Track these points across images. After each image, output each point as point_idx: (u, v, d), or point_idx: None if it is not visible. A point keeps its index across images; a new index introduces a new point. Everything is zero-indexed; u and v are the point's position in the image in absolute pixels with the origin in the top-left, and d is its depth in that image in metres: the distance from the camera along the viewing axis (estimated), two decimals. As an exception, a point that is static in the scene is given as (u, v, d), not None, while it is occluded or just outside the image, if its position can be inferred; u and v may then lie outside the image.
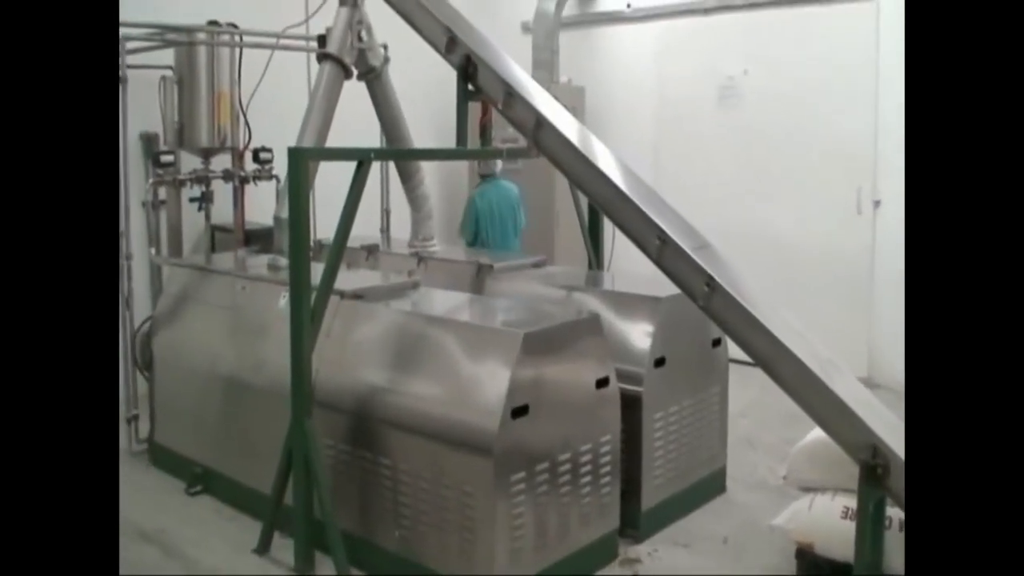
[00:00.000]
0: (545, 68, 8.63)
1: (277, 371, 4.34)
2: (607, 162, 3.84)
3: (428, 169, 6.47)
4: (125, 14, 5.60)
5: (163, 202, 6.38)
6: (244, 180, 6.51)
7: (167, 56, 6.42)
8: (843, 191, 7.38)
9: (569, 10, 9.10)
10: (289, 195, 4.06)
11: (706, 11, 8.30)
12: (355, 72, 5.42)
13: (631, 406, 4.34)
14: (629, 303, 4.74)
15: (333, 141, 5.22)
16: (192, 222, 6.57)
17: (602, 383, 4.11)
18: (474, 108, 4.48)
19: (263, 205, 6.67)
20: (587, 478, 4.06)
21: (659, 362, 4.52)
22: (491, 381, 3.73)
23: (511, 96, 4.11)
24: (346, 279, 4.56)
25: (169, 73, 6.35)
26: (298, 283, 3.97)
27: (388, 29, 5.43)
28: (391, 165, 7.12)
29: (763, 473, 5.35)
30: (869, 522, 3.16)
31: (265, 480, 4.36)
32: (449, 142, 4.77)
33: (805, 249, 7.62)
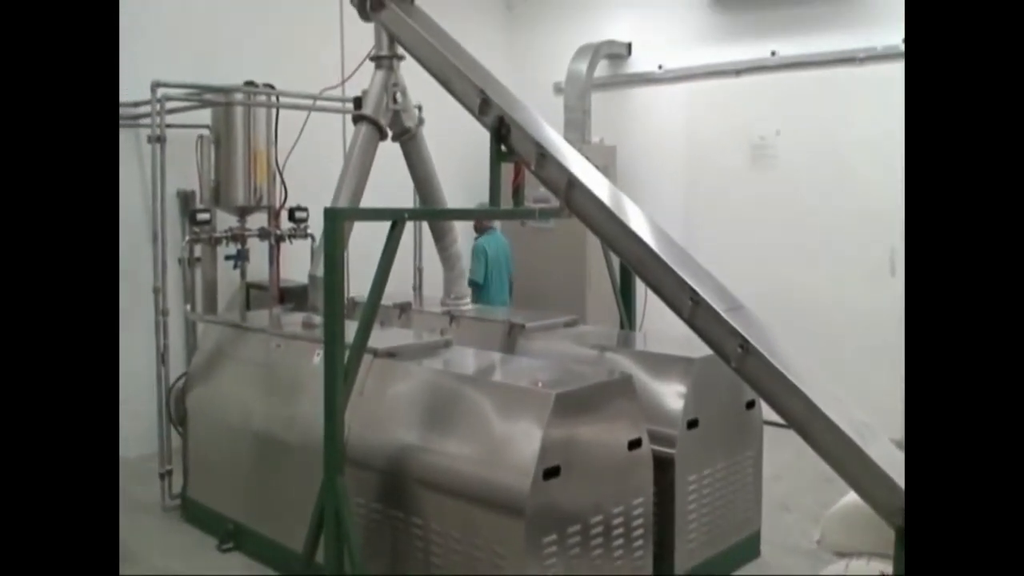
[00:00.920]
0: (577, 128, 8.73)
1: (310, 428, 4.35)
2: (639, 222, 3.84)
3: (461, 228, 6.52)
4: (164, 74, 5.76)
5: (199, 259, 6.46)
6: (280, 238, 6.59)
7: (204, 116, 6.55)
8: (876, 252, 7.35)
9: (601, 71, 9.21)
10: (324, 254, 4.09)
11: (737, 72, 8.36)
12: (390, 133, 5.50)
13: (664, 468, 4.30)
14: (662, 364, 4.72)
15: (367, 200, 5.28)
16: (227, 279, 6.64)
17: (635, 444, 4.08)
18: (507, 168, 4.52)
19: (298, 263, 6.75)
20: (619, 541, 4.01)
21: (692, 424, 4.48)
22: (523, 441, 3.71)
23: (544, 157, 4.13)
24: (379, 337, 4.58)
25: (206, 132, 6.46)
26: (332, 341, 3.98)
27: (422, 90, 5.52)
28: (424, 224, 7.19)
29: (797, 537, 5.26)
30: (905, 587, 3.09)
31: (297, 537, 4.34)
32: (482, 201, 4.80)
33: (839, 310, 7.58)
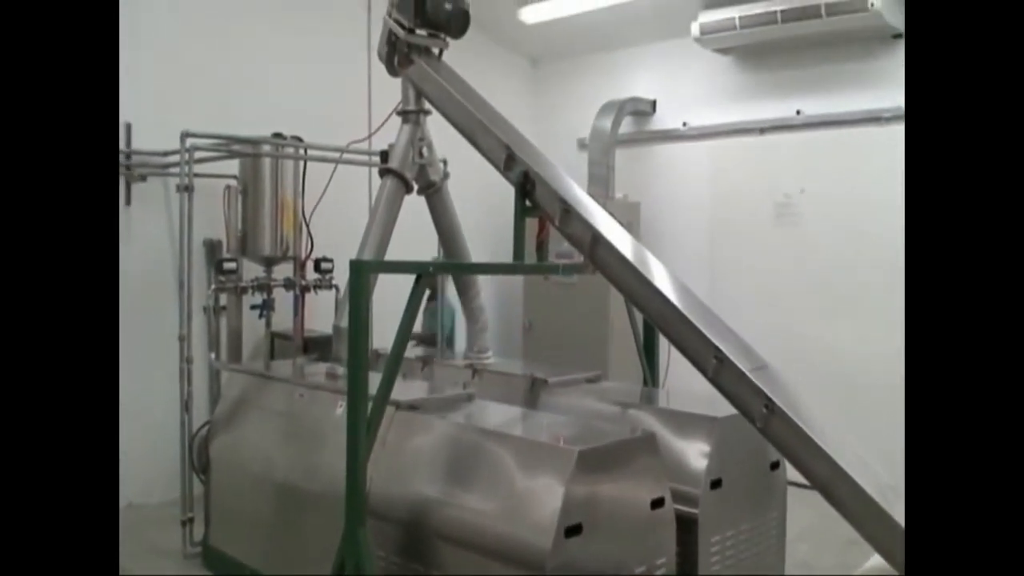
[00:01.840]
0: (601, 184, 8.77)
1: (332, 479, 4.34)
2: (663, 279, 3.85)
3: (484, 282, 6.55)
4: (193, 124, 5.85)
5: (224, 308, 6.51)
6: (305, 289, 6.65)
7: (232, 166, 6.64)
8: (901, 311, 7.29)
9: (625, 127, 9.28)
10: (349, 306, 4.12)
11: (762, 131, 8.41)
12: (415, 187, 5.55)
13: (687, 528, 4.25)
14: (685, 422, 4.68)
15: (392, 252, 5.32)
16: (252, 328, 6.69)
17: (657, 503, 4.04)
18: (531, 223, 4.54)
19: (323, 313, 6.78)
20: (641, 601, 3.97)
21: (716, 483, 4.43)
22: (544, 498, 3.68)
23: (568, 212, 4.15)
24: (402, 390, 4.58)
25: (234, 182, 6.54)
26: (355, 393, 3.99)
27: (448, 145, 5.58)
28: (448, 277, 7.22)
29: (822, 600, 5.19)
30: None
31: (315, 591, 4.32)
32: (506, 256, 4.83)
33: (865, 369, 7.51)
